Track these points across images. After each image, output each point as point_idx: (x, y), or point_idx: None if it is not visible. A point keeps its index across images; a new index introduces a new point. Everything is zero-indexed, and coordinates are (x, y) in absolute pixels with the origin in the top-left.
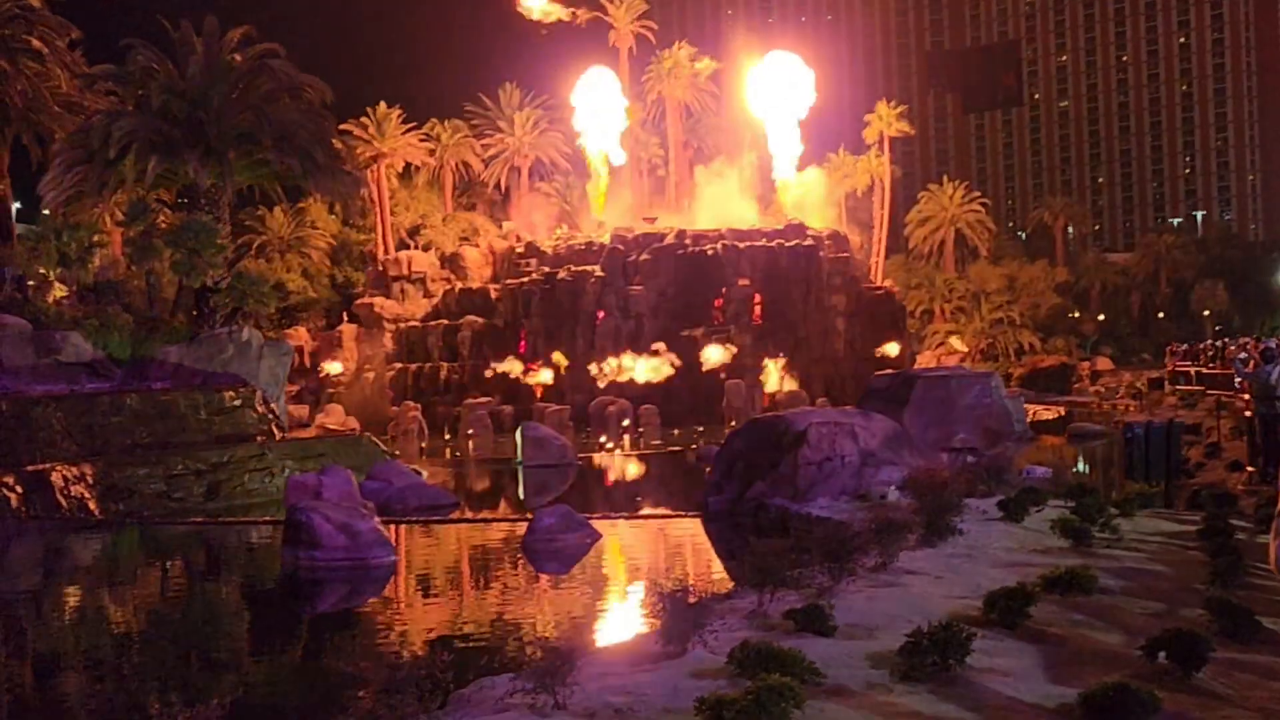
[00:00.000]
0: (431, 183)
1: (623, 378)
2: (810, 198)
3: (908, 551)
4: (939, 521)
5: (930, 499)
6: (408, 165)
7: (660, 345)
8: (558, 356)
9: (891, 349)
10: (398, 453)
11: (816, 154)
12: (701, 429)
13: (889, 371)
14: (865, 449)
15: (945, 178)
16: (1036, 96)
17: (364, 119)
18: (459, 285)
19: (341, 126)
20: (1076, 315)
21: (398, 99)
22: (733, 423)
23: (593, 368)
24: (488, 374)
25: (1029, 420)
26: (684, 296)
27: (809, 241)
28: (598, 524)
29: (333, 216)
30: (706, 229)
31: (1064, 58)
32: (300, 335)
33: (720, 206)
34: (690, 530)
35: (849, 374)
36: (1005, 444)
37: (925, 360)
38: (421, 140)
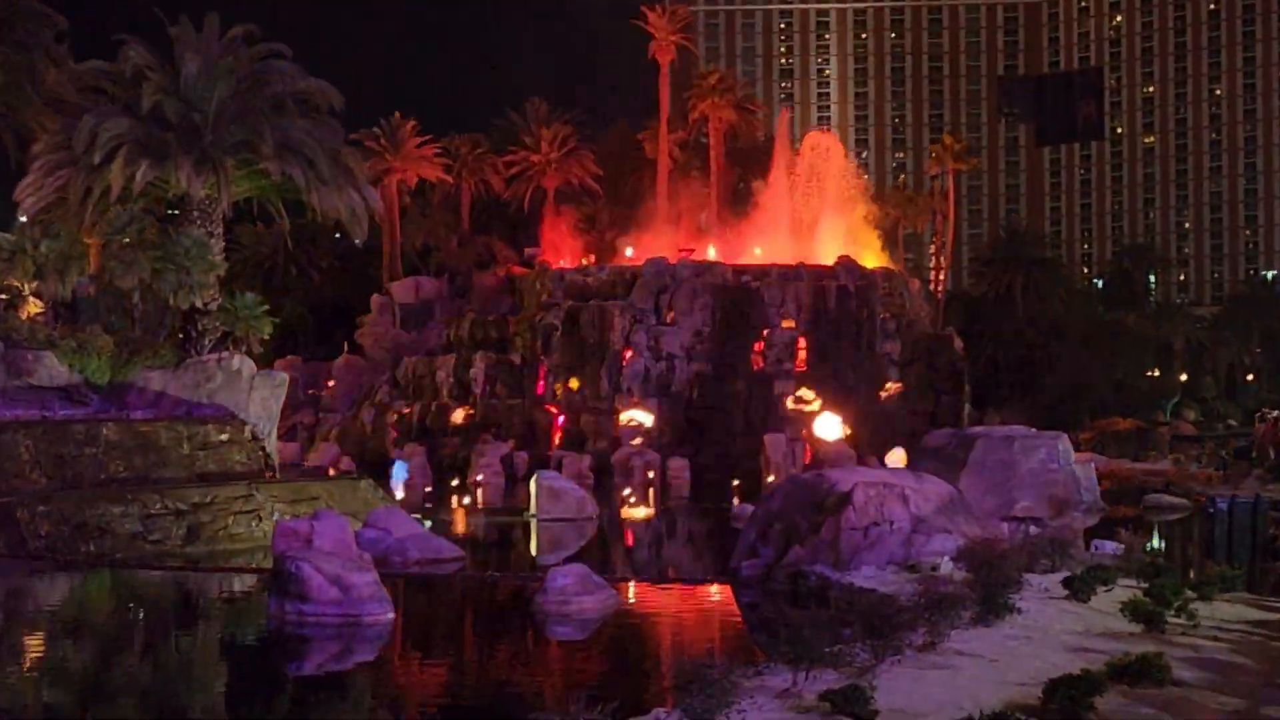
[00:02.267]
0: (447, 202)
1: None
2: (864, 233)
3: (960, 630)
4: (996, 598)
5: (987, 573)
6: (422, 182)
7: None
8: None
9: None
10: (399, 498)
11: (873, 185)
12: (736, 484)
13: (945, 430)
14: (917, 514)
15: (1014, 216)
16: (1119, 130)
17: (376, 129)
18: (472, 315)
19: (351, 137)
20: (1156, 374)
21: (414, 110)
22: (770, 479)
23: (624, 415)
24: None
25: (1100, 489)
26: (721, 337)
27: (862, 281)
28: (618, 586)
29: (337, 236)
30: (749, 263)
31: (1150, 89)
32: (294, 365)
33: (765, 239)
34: (720, 597)
35: (901, 430)
36: (1072, 515)
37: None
38: (438, 155)
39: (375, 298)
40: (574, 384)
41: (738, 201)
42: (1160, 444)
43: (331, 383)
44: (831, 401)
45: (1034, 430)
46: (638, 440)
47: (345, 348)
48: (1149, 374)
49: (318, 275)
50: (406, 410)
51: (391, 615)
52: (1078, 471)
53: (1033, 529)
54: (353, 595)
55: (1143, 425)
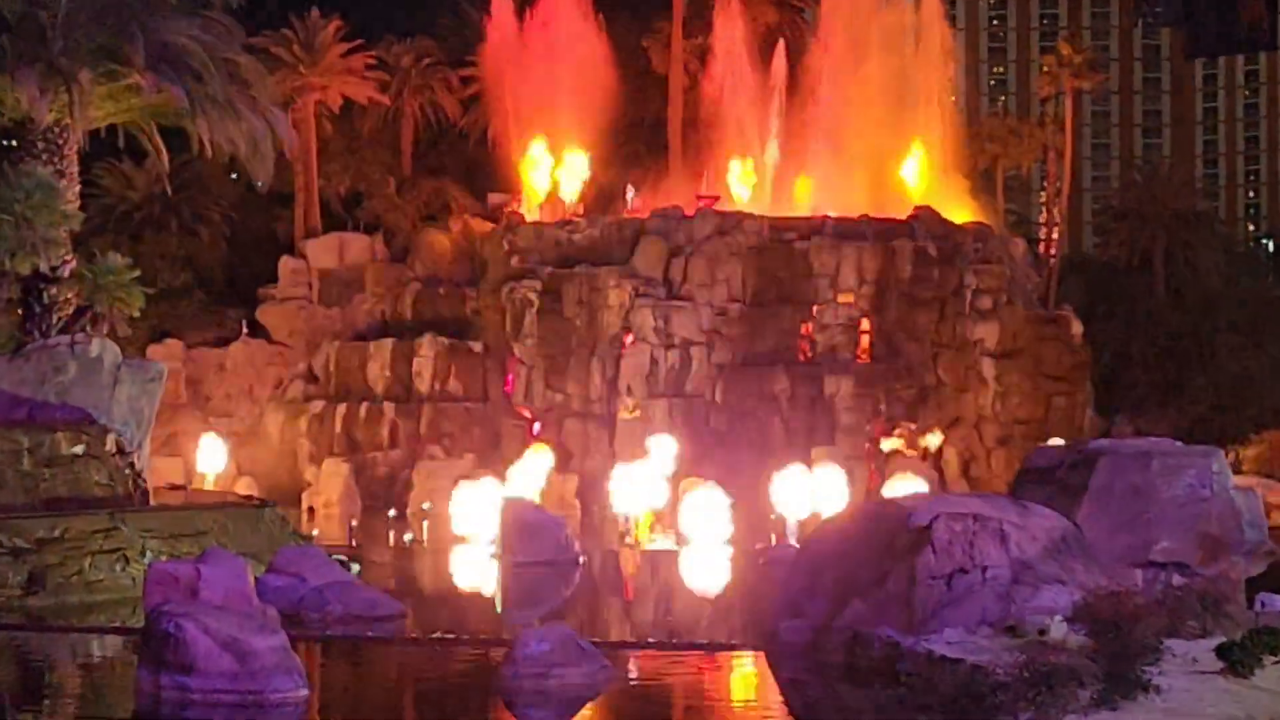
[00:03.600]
0: (383, 132)
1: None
2: (950, 175)
3: (1077, 715)
4: (1126, 672)
5: (1114, 638)
6: (349, 104)
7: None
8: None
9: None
10: (316, 533)
11: (964, 111)
12: (775, 515)
13: (1058, 443)
14: (1019, 558)
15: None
16: None
17: (286, 32)
18: (417, 286)
19: (251, 42)
20: None
21: (338, 6)
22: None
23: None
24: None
25: (1269, 524)
26: (755, 317)
27: (946, 240)
28: (612, 654)
29: (233, 178)
30: (794, 216)
31: None
32: (174, 352)
33: (818, 176)
34: (752, 671)
35: (999, 443)
36: (1231, 560)
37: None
38: (370, 68)
39: (285, 261)
40: (555, 379)
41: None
42: None
43: (225, 376)
44: (904, 404)
45: (1179, 445)
46: (642, 456)
47: (244, 329)
48: None
49: (207, 231)
50: (327, 413)
51: (306, 692)
52: (1238, 501)
53: (1176, 579)
54: (253, 665)
55: None
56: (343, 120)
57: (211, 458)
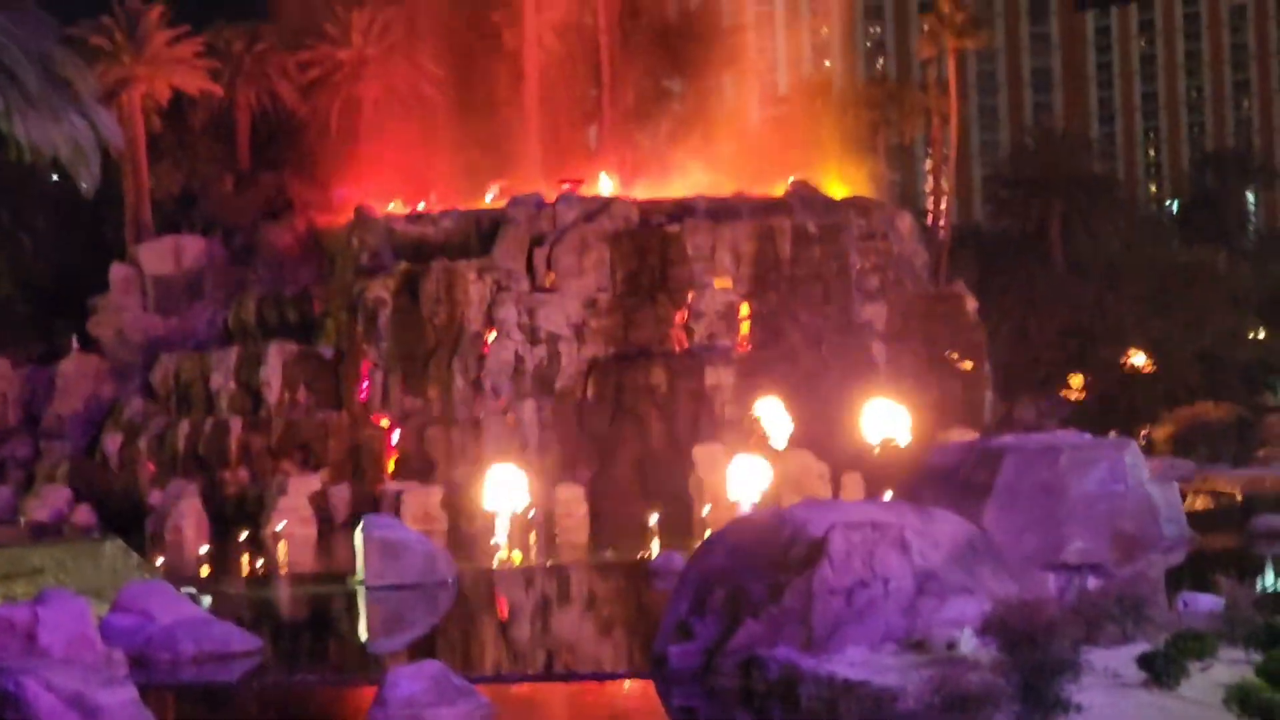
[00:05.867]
0: (217, 125)
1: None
2: (829, 144)
3: None
4: (1043, 690)
5: (1028, 651)
6: (179, 96)
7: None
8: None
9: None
10: (162, 562)
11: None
12: (655, 521)
13: (959, 439)
14: (922, 567)
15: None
16: None
17: (106, 19)
18: (260, 289)
19: (69, 32)
20: (1260, 336)
21: None
22: (706, 511)
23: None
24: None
25: (1186, 513)
26: (626, 307)
27: (828, 217)
28: (489, 690)
29: (56, 179)
30: (663, 197)
31: None
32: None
33: (690, 163)
34: (639, 699)
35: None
36: (1148, 557)
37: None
38: (200, 56)
39: (116, 268)
40: (414, 384)
41: (646, 108)
42: (1271, 439)
43: (56, 395)
44: (788, 394)
45: (1087, 437)
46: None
47: (75, 343)
48: (1251, 337)
49: (30, 239)
50: (169, 431)
51: None
52: (1154, 495)
53: (1092, 581)
54: None
55: (1244, 413)
56: (173, 113)
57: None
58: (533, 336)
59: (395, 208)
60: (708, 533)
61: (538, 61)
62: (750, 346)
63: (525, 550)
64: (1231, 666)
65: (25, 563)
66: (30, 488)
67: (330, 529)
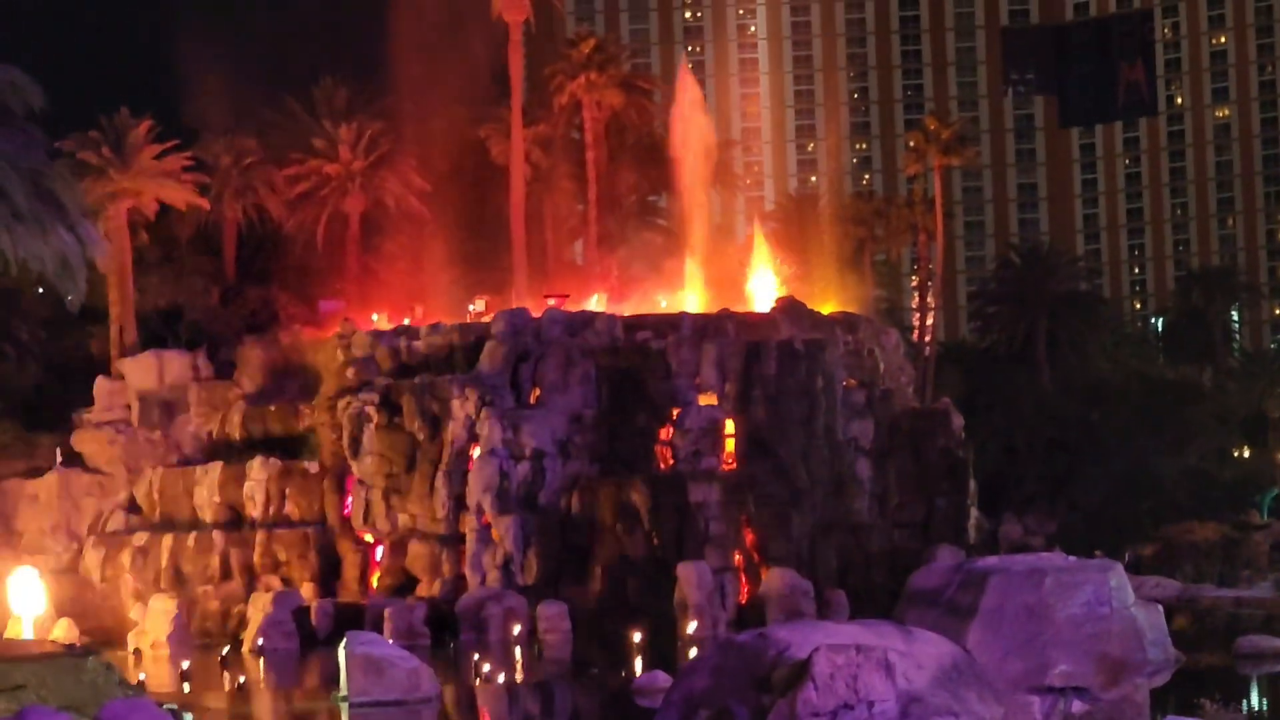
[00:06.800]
0: (203, 238)
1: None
2: (816, 260)
3: None
4: None
5: None
6: (165, 210)
7: None
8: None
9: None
10: (144, 677)
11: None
12: (639, 639)
13: (943, 561)
14: (907, 690)
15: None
16: (1179, 101)
17: (94, 133)
18: (245, 403)
19: (58, 145)
20: (1245, 455)
21: (149, 103)
22: (692, 628)
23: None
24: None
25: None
26: (611, 423)
27: (814, 332)
28: None
29: (41, 293)
30: (649, 313)
31: (1221, 39)
32: None
33: (674, 283)
34: None
35: (880, 554)
36: (1135, 682)
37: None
38: (188, 169)
39: (101, 382)
40: (397, 499)
41: (633, 223)
42: (1257, 558)
43: (40, 509)
44: (774, 510)
45: (1073, 560)
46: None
47: (58, 457)
48: (1235, 455)
49: (15, 351)
50: (152, 545)
51: None
52: (1140, 618)
53: (1077, 705)
54: None
55: (1230, 532)
56: (159, 227)
57: (26, 599)
58: (517, 453)
59: (381, 321)
60: (692, 651)
61: (524, 176)
62: (736, 463)
63: (511, 668)
64: None
65: (7, 679)
66: (10, 601)
67: (313, 644)
